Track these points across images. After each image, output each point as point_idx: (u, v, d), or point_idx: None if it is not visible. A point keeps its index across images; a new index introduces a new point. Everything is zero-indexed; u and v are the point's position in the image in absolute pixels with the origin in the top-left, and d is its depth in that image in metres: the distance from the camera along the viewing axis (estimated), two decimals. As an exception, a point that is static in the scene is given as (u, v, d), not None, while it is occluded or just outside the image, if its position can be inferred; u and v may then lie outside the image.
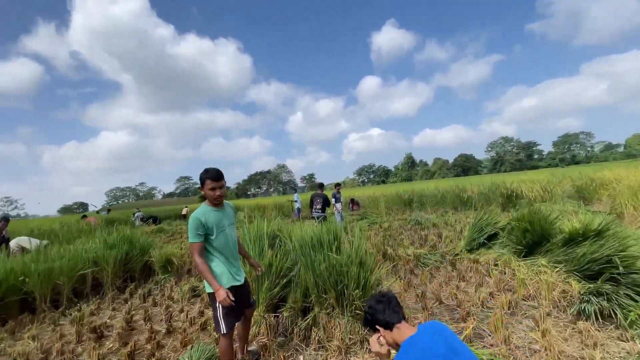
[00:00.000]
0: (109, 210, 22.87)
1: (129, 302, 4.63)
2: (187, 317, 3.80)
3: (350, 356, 2.72)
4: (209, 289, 2.34)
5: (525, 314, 3.26)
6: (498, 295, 3.67)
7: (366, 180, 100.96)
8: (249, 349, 2.79)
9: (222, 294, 2.19)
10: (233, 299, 2.21)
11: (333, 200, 9.72)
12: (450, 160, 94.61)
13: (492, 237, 5.28)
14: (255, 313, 3.33)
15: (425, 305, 3.53)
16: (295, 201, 13.64)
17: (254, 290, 3.34)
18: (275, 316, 3.32)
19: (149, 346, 3.21)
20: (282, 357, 2.66)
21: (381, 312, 1.74)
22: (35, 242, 7.89)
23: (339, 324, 2.99)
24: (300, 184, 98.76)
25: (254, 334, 3.22)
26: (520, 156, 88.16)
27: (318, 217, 8.55)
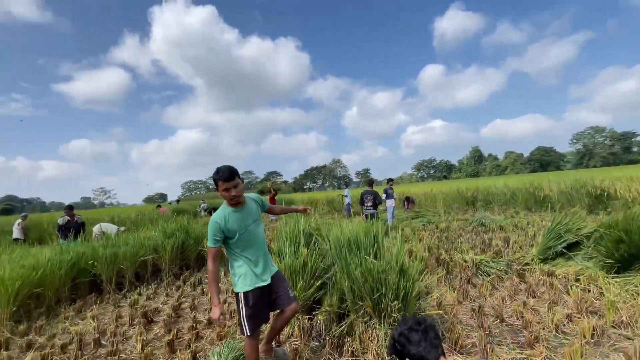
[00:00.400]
0: (178, 201, 25.26)
1: (180, 290, 4.90)
2: (227, 310, 3.84)
3: (386, 374, 2.41)
4: (236, 288, 2.26)
5: (615, 345, 2.58)
6: (578, 318, 2.99)
7: (425, 176, 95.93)
8: (277, 349, 2.63)
9: (215, 314, 2.12)
10: (227, 323, 2.20)
11: (384, 196, 9.28)
12: (526, 154, 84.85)
13: (574, 246, 4.40)
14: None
15: (482, 322, 3.02)
16: (346, 196, 13.40)
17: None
18: (309, 318, 3.15)
19: (188, 336, 3.29)
20: (310, 366, 2.47)
21: (415, 344, 1.39)
22: (114, 227, 8.94)
23: (376, 335, 2.70)
24: (354, 179, 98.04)
25: (288, 334, 3.09)
26: (614, 149, 74.88)
27: (369, 215, 8.25)
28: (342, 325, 2.91)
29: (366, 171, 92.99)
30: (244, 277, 2.22)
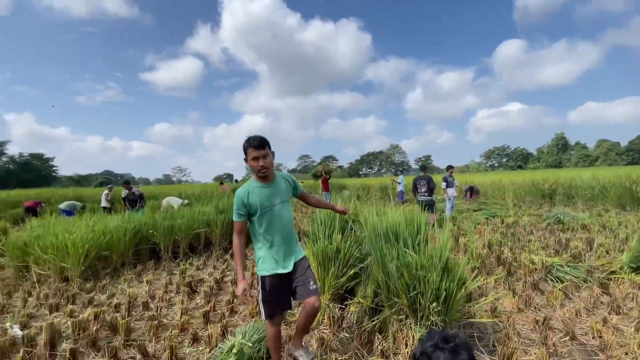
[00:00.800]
0: (236, 181, 26.89)
1: (227, 263, 5.10)
2: (254, 286, 3.86)
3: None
4: (257, 269, 2.15)
5: None
6: (687, 350, 2.30)
7: (496, 165, 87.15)
8: (302, 349, 2.31)
9: (240, 288, 2.03)
10: (249, 298, 2.12)
11: (444, 184, 8.52)
12: (623, 143, 71.63)
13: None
14: (321, 299, 3.05)
15: (547, 337, 2.51)
16: (399, 183, 12.72)
17: (319, 275, 3.04)
18: (340, 308, 2.97)
19: (224, 310, 3.36)
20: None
21: None
22: (178, 201, 9.76)
23: (412, 336, 2.41)
24: (413, 166, 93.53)
25: (318, 321, 2.95)
26: None
27: (424, 202, 7.67)
28: (374, 320, 2.67)
29: (427, 158, 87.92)
30: (262, 260, 2.09)
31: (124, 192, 7.57)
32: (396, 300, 2.45)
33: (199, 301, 3.72)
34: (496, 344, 2.49)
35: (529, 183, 11.87)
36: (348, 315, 2.89)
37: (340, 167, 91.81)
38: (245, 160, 2.04)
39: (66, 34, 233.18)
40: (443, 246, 2.39)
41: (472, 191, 10.90)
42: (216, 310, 3.39)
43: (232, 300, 3.57)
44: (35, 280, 4.32)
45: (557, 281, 3.70)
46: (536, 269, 3.92)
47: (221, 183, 18.05)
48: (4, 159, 54.58)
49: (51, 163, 63.31)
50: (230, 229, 6.24)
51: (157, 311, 3.31)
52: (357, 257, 3.03)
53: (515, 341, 2.52)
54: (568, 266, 3.86)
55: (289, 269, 2.11)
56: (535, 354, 2.33)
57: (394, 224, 2.71)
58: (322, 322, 2.93)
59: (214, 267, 5.02)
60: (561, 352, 2.40)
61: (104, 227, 4.80)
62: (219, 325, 2.90)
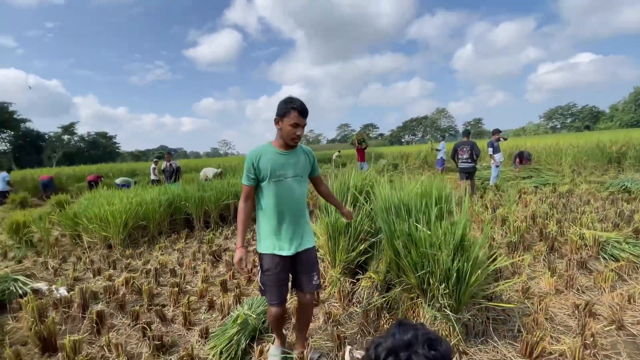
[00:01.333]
0: None
1: (251, 233, 5.23)
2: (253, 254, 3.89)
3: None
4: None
5: None
6: None
7: (559, 126, 77.77)
8: (310, 355, 2.03)
9: (237, 255, 1.82)
10: (248, 266, 1.92)
11: (490, 149, 7.76)
12: None
13: None
14: (332, 273, 2.97)
15: (586, 325, 2.17)
16: (439, 150, 11.88)
17: (329, 249, 2.93)
18: (351, 282, 2.86)
19: (242, 279, 3.45)
20: (337, 336, 2.21)
21: None
22: (213, 170, 10.16)
23: (423, 315, 2.24)
24: (462, 131, 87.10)
25: (328, 294, 2.89)
26: None
27: (465, 170, 7.14)
28: (385, 297, 2.52)
29: (477, 121, 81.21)
30: (264, 235, 1.89)
31: (162, 165, 8.02)
32: (403, 278, 2.26)
33: (221, 269, 3.86)
34: (521, 328, 2.23)
35: (592, 145, 10.38)
36: (359, 290, 2.78)
37: (381, 135, 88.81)
38: (278, 120, 1.82)
39: (115, 17, 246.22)
40: (459, 222, 2.11)
41: (522, 157, 9.82)
42: (236, 279, 3.49)
43: (251, 270, 3.64)
44: (85, 247, 4.81)
45: (611, 260, 3.20)
46: (586, 245, 3.42)
47: None
48: (75, 139, 61.17)
49: (114, 140, 69.71)
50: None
51: (181, 278, 3.50)
52: (368, 231, 2.84)
53: (546, 327, 2.23)
54: (627, 243, 3.31)
55: (290, 253, 1.86)
56: (568, 343, 2.03)
57: (408, 196, 2.44)
58: (333, 295, 2.87)
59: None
60: (602, 344, 2.07)
61: (140, 199, 5.12)
62: (233, 294, 2.97)
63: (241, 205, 1.91)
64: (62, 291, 3.30)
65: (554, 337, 2.16)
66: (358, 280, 2.85)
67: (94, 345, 2.40)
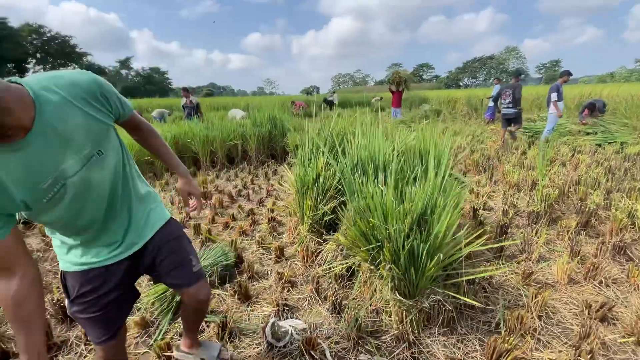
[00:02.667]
0: (310, 94, 26.12)
1: (250, 178, 5.03)
2: (263, 206, 3.67)
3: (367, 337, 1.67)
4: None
5: None
6: None
7: (661, 72, 63.80)
8: (199, 348, 1.57)
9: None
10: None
11: (554, 95, 6.46)
12: None
13: None
14: (300, 229, 2.66)
15: (592, 330, 1.64)
16: (491, 96, 10.24)
17: (298, 203, 2.57)
18: (318, 242, 2.54)
19: (228, 220, 3.28)
20: (276, 302, 1.95)
21: None
22: (241, 113, 9.96)
23: (377, 293, 1.88)
24: (533, 75, 75.43)
25: (293, 252, 2.62)
26: None
27: (506, 115, 6.30)
28: (344, 264, 2.17)
29: (554, 64, 69.18)
30: (62, 248, 1.09)
31: (182, 100, 7.91)
32: (356, 250, 1.86)
33: (208, 212, 3.76)
34: (502, 325, 1.78)
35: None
36: (324, 252, 2.45)
37: (437, 77, 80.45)
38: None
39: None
40: (423, 189, 1.57)
41: (592, 107, 8.03)
42: (216, 223, 3.35)
43: (234, 216, 3.47)
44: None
45: (666, 247, 2.45)
46: (634, 226, 2.65)
47: (292, 102, 15.10)
48: (132, 73, 64.51)
49: (166, 76, 72.42)
50: (268, 142, 6.02)
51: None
52: (340, 189, 2.40)
53: (534, 328, 1.75)
54: (697, 228, 2.48)
55: (132, 249, 1.13)
56: (553, 354, 1.56)
57: (378, 151, 1.91)
58: (295, 255, 2.59)
59: (241, 180, 5.00)
60: (607, 360, 1.56)
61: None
62: (198, 240, 2.83)
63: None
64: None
65: (542, 342, 1.69)
66: (325, 241, 2.52)
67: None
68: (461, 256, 1.60)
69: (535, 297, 1.88)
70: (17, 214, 0.88)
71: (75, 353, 1.73)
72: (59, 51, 45.51)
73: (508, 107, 6.30)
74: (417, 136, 2.06)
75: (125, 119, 1.09)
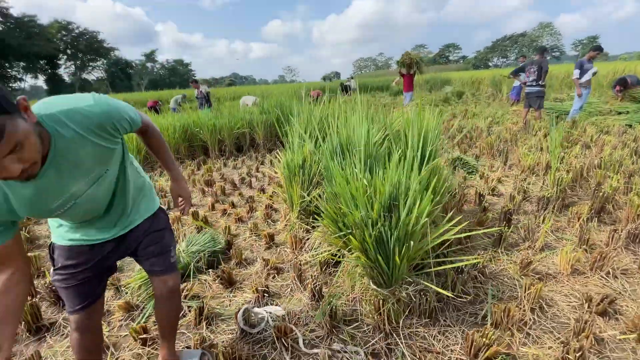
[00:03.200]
0: (330, 80, 25.57)
1: (257, 164, 5.04)
2: (264, 193, 3.66)
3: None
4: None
5: None
6: None
7: None
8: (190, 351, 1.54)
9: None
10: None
11: (576, 72, 6.02)
12: None
13: None
14: (290, 216, 2.62)
15: (586, 324, 1.50)
16: (514, 76, 9.56)
17: (286, 188, 2.52)
18: (307, 229, 2.49)
19: (227, 207, 3.31)
20: (255, 288, 1.94)
21: None
22: (252, 99, 9.98)
23: (356, 273, 1.82)
24: (569, 52, 69.80)
25: (282, 240, 2.59)
26: None
27: (529, 94, 5.95)
28: (329, 252, 2.12)
29: (592, 40, 63.70)
30: (56, 226, 1.18)
31: (195, 91, 8.03)
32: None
33: (209, 199, 3.81)
34: (489, 317, 1.67)
35: None
36: (311, 238, 2.40)
37: (464, 57, 76.34)
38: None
39: None
40: (394, 172, 1.46)
41: (625, 83, 7.28)
42: (215, 211, 3.39)
43: (233, 204, 3.49)
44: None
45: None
46: (657, 213, 2.39)
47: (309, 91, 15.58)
48: (157, 66, 66.28)
49: (190, 68, 73.83)
50: (272, 130, 5.96)
51: (167, 205, 3.53)
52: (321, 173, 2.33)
53: (517, 322, 1.63)
54: None
55: (119, 233, 1.20)
56: (540, 350, 1.45)
57: (356, 133, 1.81)
58: (284, 243, 2.56)
59: (247, 167, 5.02)
60: (609, 357, 1.42)
61: (159, 126, 5.17)
62: (193, 226, 2.88)
63: None
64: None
65: (532, 337, 1.57)
66: (314, 227, 2.47)
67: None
68: (449, 243, 1.50)
69: (529, 288, 1.74)
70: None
71: (62, 335, 1.81)
72: (88, 47, 47.45)
73: (532, 85, 5.89)
74: (400, 118, 1.93)
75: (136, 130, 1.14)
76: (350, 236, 1.47)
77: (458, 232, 1.62)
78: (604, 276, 1.93)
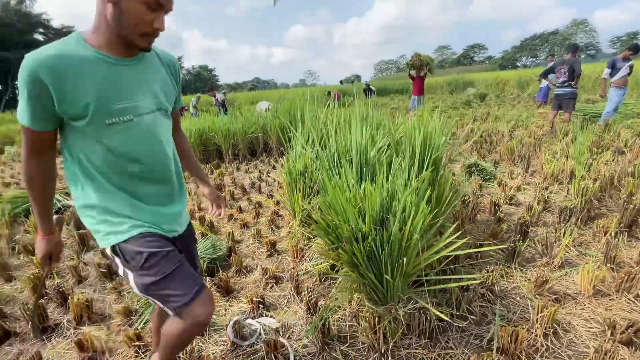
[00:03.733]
0: (342, 82, 25.34)
1: (268, 168, 5.04)
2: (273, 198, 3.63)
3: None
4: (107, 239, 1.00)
5: None
6: None
7: None
8: None
9: (41, 247, 1.05)
10: (53, 264, 1.11)
11: (605, 71, 5.67)
12: None
13: None
14: (293, 224, 2.57)
15: (606, 355, 1.34)
16: (542, 78, 9.07)
17: (288, 197, 2.48)
18: (309, 237, 2.43)
19: (234, 212, 3.32)
20: (251, 298, 1.90)
21: None
22: (265, 105, 10.09)
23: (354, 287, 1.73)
24: (606, 50, 65.63)
25: (286, 248, 2.54)
26: None
27: (559, 96, 5.61)
28: (328, 263, 2.05)
29: (632, 37, 59.66)
30: (105, 210, 1.02)
31: (214, 99, 8.22)
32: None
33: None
34: (496, 341, 1.53)
35: None
36: (312, 247, 2.34)
37: (490, 57, 73.88)
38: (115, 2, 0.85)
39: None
40: (385, 184, 1.37)
41: None
42: (221, 215, 3.40)
43: (241, 209, 3.50)
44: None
45: None
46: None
47: (328, 93, 14.17)
48: (184, 72, 68.84)
49: (214, 73, 76.16)
50: (286, 134, 5.98)
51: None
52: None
53: (537, 347, 1.48)
54: None
55: (179, 230, 1.13)
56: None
57: (355, 140, 1.73)
58: (289, 249, 2.51)
59: (259, 172, 5.04)
60: (619, 396, 1.26)
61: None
62: (198, 232, 2.88)
63: (32, 167, 0.96)
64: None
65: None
66: (315, 237, 2.40)
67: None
68: (456, 257, 1.39)
69: (542, 310, 1.59)
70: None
71: (65, 337, 1.84)
72: (121, 55, 49.99)
73: (562, 87, 5.52)
74: (405, 125, 1.83)
75: (173, 113, 1.18)
76: (341, 250, 1.39)
77: (459, 248, 1.50)
78: (632, 299, 1.73)
